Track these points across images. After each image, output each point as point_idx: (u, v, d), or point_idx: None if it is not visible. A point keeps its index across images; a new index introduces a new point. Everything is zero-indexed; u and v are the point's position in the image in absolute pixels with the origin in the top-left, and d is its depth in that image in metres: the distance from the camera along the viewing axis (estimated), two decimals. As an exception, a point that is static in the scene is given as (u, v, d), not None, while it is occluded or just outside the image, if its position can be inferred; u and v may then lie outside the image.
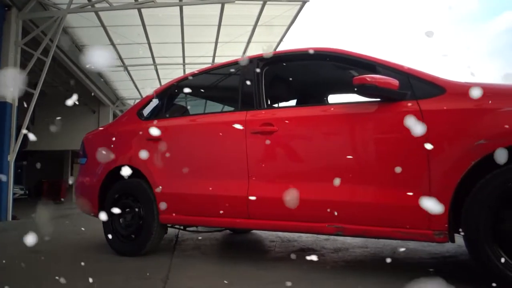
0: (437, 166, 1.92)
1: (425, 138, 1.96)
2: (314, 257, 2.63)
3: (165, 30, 9.34)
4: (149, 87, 11.49)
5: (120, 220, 3.05)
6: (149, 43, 9.99)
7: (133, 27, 8.95)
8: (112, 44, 9.87)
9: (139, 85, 13.51)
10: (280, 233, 3.89)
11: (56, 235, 4.09)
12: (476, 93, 1.94)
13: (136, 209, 2.98)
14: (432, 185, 1.93)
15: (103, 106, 15.04)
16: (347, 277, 2.19)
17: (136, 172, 2.99)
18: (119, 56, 10.76)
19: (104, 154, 3.24)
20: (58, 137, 13.48)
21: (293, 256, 2.75)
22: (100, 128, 3.67)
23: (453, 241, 1.96)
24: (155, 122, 3.09)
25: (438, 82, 2.07)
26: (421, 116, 2.00)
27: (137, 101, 4.31)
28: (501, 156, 1.70)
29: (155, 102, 3.28)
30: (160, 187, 2.85)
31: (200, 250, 3.20)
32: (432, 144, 1.94)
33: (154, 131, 2.96)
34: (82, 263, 2.60)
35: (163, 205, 2.83)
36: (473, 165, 1.82)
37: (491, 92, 1.95)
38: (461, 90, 2.00)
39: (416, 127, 1.99)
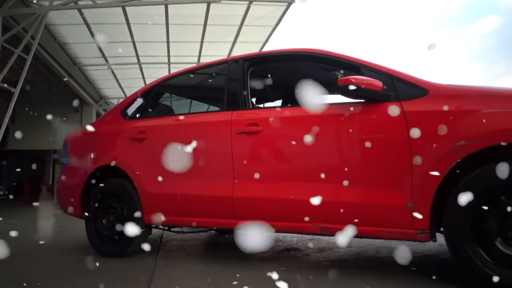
0: (419, 167, 1.95)
1: (407, 139, 1.99)
2: (299, 257, 2.64)
3: (150, 29, 9.24)
4: (134, 86, 11.36)
5: (104, 220, 3.01)
6: (133, 42, 9.88)
7: (117, 25, 8.84)
8: (96, 42, 9.72)
9: (123, 84, 13.34)
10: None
11: (38, 236, 4.01)
12: (457, 95, 1.99)
13: (120, 210, 2.95)
14: (415, 185, 1.96)
15: (86, 105, 14.76)
16: (332, 276, 2.21)
17: (119, 172, 2.95)
18: (102, 54, 10.60)
19: (87, 154, 3.19)
20: (40, 136, 13.20)
21: (278, 255, 2.76)
22: (83, 128, 3.61)
23: (434, 240, 2.00)
24: (140, 121, 3.06)
25: (420, 84, 2.11)
26: (404, 117, 2.04)
27: (121, 100, 4.26)
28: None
29: (139, 101, 3.25)
30: (145, 187, 2.82)
31: (185, 251, 3.18)
32: (414, 144, 1.98)
33: (139, 131, 2.93)
34: (65, 265, 2.56)
35: (147, 206, 2.80)
36: (454, 165, 1.86)
37: (471, 94, 2.00)
38: (443, 92, 2.04)
39: (399, 128, 2.03)
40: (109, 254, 2.91)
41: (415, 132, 1.98)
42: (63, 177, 3.38)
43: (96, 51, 10.37)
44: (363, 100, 2.18)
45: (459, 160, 1.85)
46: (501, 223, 1.77)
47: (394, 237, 2.05)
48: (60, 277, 2.18)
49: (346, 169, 2.18)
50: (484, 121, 1.86)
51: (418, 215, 1.94)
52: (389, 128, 2.08)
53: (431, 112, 2.00)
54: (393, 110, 2.08)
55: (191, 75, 3.26)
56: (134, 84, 12.34)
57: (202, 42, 10.09)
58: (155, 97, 3.32)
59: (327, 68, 2.58)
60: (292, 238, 3.67)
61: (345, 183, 2.15)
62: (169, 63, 11.51)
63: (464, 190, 1.83)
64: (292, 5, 8.55)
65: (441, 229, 1.95)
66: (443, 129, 1.93)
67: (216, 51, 10.31)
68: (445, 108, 1.96)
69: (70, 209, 3.22)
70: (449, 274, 2.19)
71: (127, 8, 8.07)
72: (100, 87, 14.39)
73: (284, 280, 2.13)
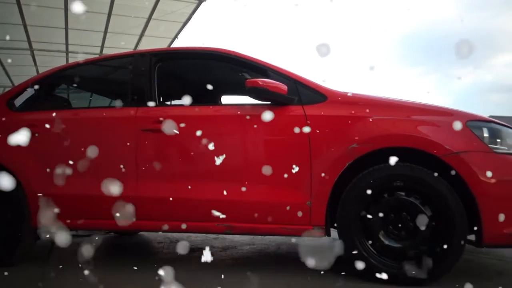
0: (317, 167, 2.10)
1: (308, 140, 2.13)
2: (203, 256, 2.64)
3: (45, 12, 8.37)
4: (24, 75, 10.18)
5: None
6: (25, 25, 8.85)
7: (5, 4, 7.84)
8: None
9: (11, 71, 11.89)
10: (168, 234, 3.81)
11: None
12: (352, 102, 2.19)
13: (4, 212, 2.61)
14: (313, 184, 2.10)
15: (-39, 92, 12.84)
16: (235, 274, 2.25)
17: (3, 170, 2.62)
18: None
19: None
20: None
21: (182, 256, 2.72)
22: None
23: (329, 235, 2.17)
24: (30, 114, 2.76)
25: (321, 89, 2.27)
26: (305, 120, 2.17)
27: (8, 89, 3.79)
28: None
29: (30, 91, 2.92)
30: (34, 187, 2.55)
31: (80, 257, 2.95)
32: (314, 146, 2.12)
33: (28, 124, 2.64)
34: None
35: (36, 208, 2.54)
36: (348, 166, 2.05)
37: (364, 102, 2.21)
38: (340, 98, 2.23)
39: (301, 130, 2.16)
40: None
41: (314, 135, 2.13)
42: None
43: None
44: (269, 102, 2.27)
45: (352, 161, 2.04)
46: (384, 218, 1.99)
47: (294, 233, 2.17)
48: None
49: (250, 168, 2.25)
50: (372, 126, 2.08)
51: (315, 212, 2.08)
52: (292, 130, 2.20)
53: (329, 116, 2.16)
54: (296, 113, 2.20)
55: (93, 67, 3.04)
56: (24, 72, 11.09)
57: (105, 32, 9.49)
58: (50, 87, 3.02)
59: (236, 69, 2.63)
60: (196, 238, 3.65)
61: (249, 182, 2.21)
62: (67, 51, 10.57)
63: (353, 189, 2.03)
64: (203, 4, 8.53)
65: (335, 224, 2.13)
66: (338, 133, 2.11)
67: (121, 43, 9.80)
68: (341, 113, 2.14)
69: None
70: (340, 266, 2.39)
71: (17, -13, 7.22)
72: (-19, 73, 12.62)
73: (188, 280, 2.11)
